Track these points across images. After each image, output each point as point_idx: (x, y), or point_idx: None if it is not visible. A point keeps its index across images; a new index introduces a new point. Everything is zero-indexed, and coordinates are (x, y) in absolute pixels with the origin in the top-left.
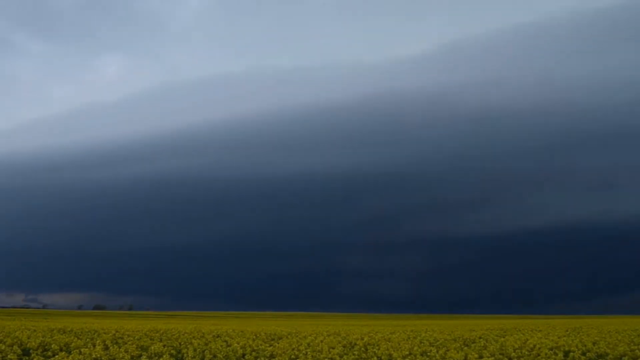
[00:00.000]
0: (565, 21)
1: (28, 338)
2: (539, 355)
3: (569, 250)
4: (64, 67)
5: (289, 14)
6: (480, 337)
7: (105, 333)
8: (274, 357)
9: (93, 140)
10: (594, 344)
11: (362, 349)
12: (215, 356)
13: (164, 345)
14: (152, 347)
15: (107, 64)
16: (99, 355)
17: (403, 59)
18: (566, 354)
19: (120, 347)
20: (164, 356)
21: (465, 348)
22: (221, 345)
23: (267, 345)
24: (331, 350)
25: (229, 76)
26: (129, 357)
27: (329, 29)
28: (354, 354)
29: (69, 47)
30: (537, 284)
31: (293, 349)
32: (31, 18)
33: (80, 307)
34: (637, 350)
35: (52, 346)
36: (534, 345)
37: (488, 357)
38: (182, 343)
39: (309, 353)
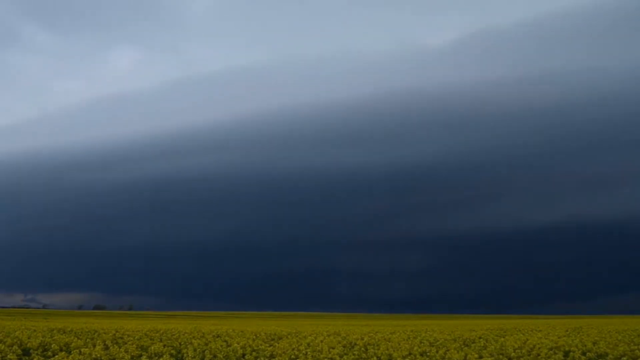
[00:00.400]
0: (587, 12)
1: (28, 338)
2: (539, 355)
3: (569, 250)
4: (72, 61)
5: (305, 5)
6: (480, 337)
7: (105, 333)
8: (274, 357)
9: (94, 139)
10: (594, 344)
11: (362, 349)
12: (215, 356)
13: (164, 345)
14: (152, 347)
15: (117, 58)
16: (99, 355)
17: (408, 56)
18: (566, 354)
19: (120, 347)
20: (164, 356)
21: (465, 348)
22: (221, 345)
23: (267, 345)
24: (331, 350)
25: (236, 71)
26: (129, 357)
27: (344, 20)
28: (354, 354)
29: (78, 39)
30: (537, 284)
31: (293, 349)
32: (39, 8)
33: (80, 307)
34: (637, 350)
35: (52, 346)
36: (534, 345)
37: (488, 357)
38: (182, 343)
39: (309, 353)
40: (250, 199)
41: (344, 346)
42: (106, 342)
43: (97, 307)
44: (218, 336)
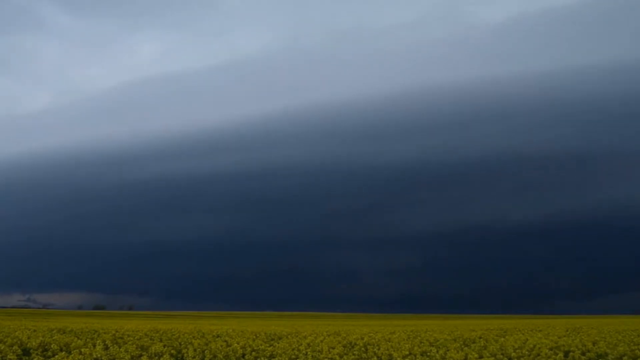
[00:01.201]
0: None
1: (28, 338)
2: (539, 355)
3: (570, 249)
4: (91, 46)
5: None
6: (480, 337)
7: (105, 333)
8: (274, 357)
9: (95, 138)
10: (594, 344)
11: (362, 349)
12: (215, 356)
13: (164, 345)
14: (152, 347)
15: (141, 42)
16: (99, 355)
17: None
18: (566, 354)
19: (120, 347)
20: (164, 356)
21: (465, 348)
22: (221, 345)
23: (267, 345)
24: (331, 350)
25: (243, 64)
26: (129, 357)
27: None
28: (354, 354)
29: (101, 23)
30: (537, 284)
31: (293, 349)
32: None
33: (80, 307)
34: (637, 350)
35: (52, 346)
36: (534, 345)
37: (488, 357)
38: (182, 343)
39: (309, 353)
40: (250, 197)
41: (344, 346)
42: (106, 342)
43: (97, 307)
44: (218, 336)
